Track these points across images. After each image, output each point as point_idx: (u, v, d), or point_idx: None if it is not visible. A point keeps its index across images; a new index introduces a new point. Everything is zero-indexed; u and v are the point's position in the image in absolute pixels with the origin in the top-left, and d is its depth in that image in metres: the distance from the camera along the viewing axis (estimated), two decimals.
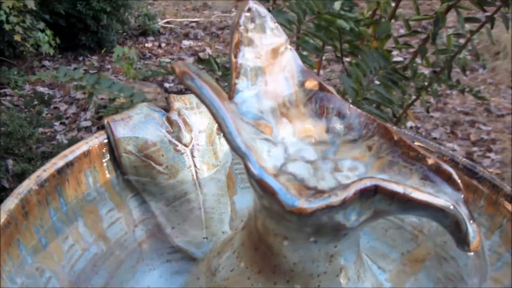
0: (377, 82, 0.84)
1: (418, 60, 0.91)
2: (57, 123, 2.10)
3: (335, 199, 0.24)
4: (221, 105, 0.24)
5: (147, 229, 0.38)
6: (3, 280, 0.29)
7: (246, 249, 0.29)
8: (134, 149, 0.36)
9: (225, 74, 1.54)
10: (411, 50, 0.91)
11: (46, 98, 2.91)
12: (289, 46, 0.30)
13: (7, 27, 3.36)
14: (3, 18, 3.38)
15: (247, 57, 0.29)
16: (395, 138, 0.28)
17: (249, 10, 0.29)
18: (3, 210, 0.30)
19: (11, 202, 0.31)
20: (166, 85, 2.81)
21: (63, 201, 0.34)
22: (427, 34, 0.86)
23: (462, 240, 0.26)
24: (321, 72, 2.08)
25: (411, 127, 1.66)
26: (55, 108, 2.95)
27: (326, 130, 0.30)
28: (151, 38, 3.22)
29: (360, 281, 0.30)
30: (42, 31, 3.51)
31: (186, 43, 3.07)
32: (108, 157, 0.37)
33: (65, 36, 3.28)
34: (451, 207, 0.25)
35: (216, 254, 0.32)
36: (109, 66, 3.18)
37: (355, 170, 0.28)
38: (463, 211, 0.26)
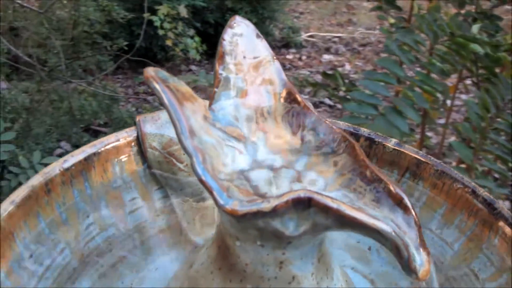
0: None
1: None
2: None
3: (266, 206, 0.25)
4: (177, 108, 0.27)
5: (167, 220, 0.42)
6: (16, 244, 0.34)
7: (214, 246, 0.31)
8: (159, 146, 0.40)
9: (349, 90, 1.55)
10: None
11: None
12: (273, 60, 0.32)
13: (160, 32, 3.66)
14: (158, 24, 3.69)
15: (230, 68, 0.31)
16: (360, 157, 0.29)
17: (235, 25, 0.31)
18: (26, 185, 0.35)
19: (36, 179, 0.36)
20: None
21: (88, 185, 0.39)
22: None
23: (405, 266, 0.26)
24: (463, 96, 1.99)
25: None
26: None
27: (300, 143, 0.31)
28: (293, 50, 3.29)
29: None
30: (191, 37, 3.77)
31: (326, 57, 3.10)
32: (136, 151, 0.41)
33: (213, 44, 3.47)
34: (389, 230, 0.25)
35: (199, 249, 0.34)
36: None
37: (315, 183, 0.29)
38: (411, 237, 0.26)
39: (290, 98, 0.31)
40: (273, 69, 0.31)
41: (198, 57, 4.02)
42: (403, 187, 0.42)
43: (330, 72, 1.59)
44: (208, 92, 3.26)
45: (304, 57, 3.10)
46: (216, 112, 0.30)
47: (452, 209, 0.40)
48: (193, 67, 3.93)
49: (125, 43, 2.85)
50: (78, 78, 2.62)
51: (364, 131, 0.43)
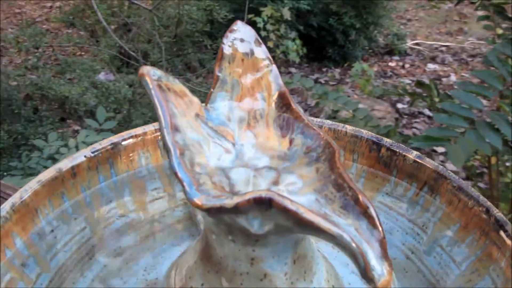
0: None
1: None
2: None
3: (229, 202, 0.27)
4: (163, 104, 0.29)
5: (185, 212, 0.44)
6: (38, 219, 0.38)
7: (201, 238, 0.33)
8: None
9: (441, 100, 1.50)
10: None
11: None
12: (271, 66, 0.33)
13: (262, 33, 3.73)
14: (261, 25, 3.75)
15: (227, 71, 0.33)
16: (336, 164, 0.29)
17: (236, 30, 0.33)
18: (53, 167, 0.39)
19: (63, 163, 0.40)
20: (399, 105, 2.80)
21: (114, 172, 0.42)
22: None
23: (363, 274, 0.26)
24: None
25: None
26: None
27: (288, 146, 0.32)
28: (396, 57, 3.23)
29: None
30: (293, 40, 3.80)
31: (431, 66, 3.02)
32: (162, 144, 0.44)
33: (314, 47, 3.47)
34: (345, 236, 0.26)
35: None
36: (348, 80, 3.27)
37: (292, 185, 0.30)
38: (373, 246, 0.27)
39: (283, 103, 0.32)
40: (270, 74, 0.33)
41: (297, 60, 4.05)
42: (421, 201, 0.42)
43: (425, 81, 1.55)
44: (304, 94, 3.28)
45: (407, 65, 3.03)
46: (210, 111, 0.32)
47: (465, 227, 0.39)
48: (292, 70, 3.96)
49: None
50: (177, 74, 2.75)
51: (387, 141, 0.43)
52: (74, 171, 0.40)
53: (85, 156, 0.41)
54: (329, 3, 3.55)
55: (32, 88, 2.35)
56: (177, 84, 0.31)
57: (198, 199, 0.27)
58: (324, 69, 3.43)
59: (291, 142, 0.32)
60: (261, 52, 0.33)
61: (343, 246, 0.26)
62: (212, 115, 0.32)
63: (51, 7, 4.49)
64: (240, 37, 0.33)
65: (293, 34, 4.20)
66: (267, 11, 3.75)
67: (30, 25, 2.92)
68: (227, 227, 0.29)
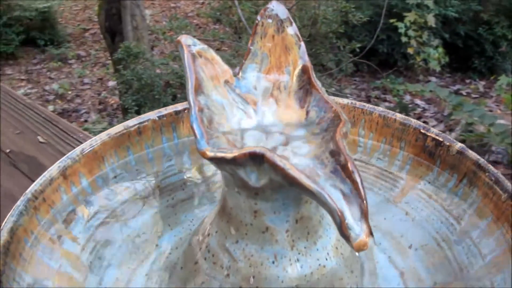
0: None
1: None
2: None
3: (228, 154, 0.30)
4: (191, 67, 0.34)
5: None
6: (104, 166, 0.45)
7: (221, 196, 0.37)
8: None
9: None
10: None
11: (408, 109, 3.06)
12: (299, 43, 0.36)
13: (403, 39, 3.64)
14: (402, 30, 3.67)
15: (259, 46, 0.37)
16: (336, 134, 0.32)
17: (269, 9, 0.36)
18: (122, 124, 0.46)
19: (131, 122, 0.46)
20: None
21: (176, 136, 0.48)
22: None
23: (340, 231, 0.29)
24: None
25: None
26: (425, 122, 3.07)
27: (304, 116, 0.35)
28: None
29: (294, 250, 0.34)
30: (435, 48, 3.67)
31: None
32: None
33: (458, 57, 3.33)
34: (323, 194, 0.28)
35: None
36: (493, 94, 3.11)
37: (298, 149, 0.33)
38: (353, 208, 0.29)
39: (305, 77, 0.35)
40: (298, 51, 0.36)
41: (438, 68, 3.90)
42: (459, 193, 0.42)
43: None
44: (442, 105, 3.16)
45: None
46: (240, 80, 0.36)
47: (496, 221, 0.39)
48: (432, 79, 3.82)
49: (358, 45, 2.93)
50: None
51: (434, 131, 0.44)
52: (140, 130, 0.46)
53: (151, 119, 0.46)
54: (481, 12, 3.37)
55: (172, 76, 2.54)
56: (210, 52, 0.35)
57: (205, 149, 0.31)
58: (468, 81, 3.27)
59: (307, 113, 0.35)
60: (291, 30, 0.36)
61: (322, 203, 0.29)
62: (241, 83, 0.36)
63: (203, 3, 4.78)
64: (274, 15, 0.36)
65: (436, 42, 4.05)
66: (410, 16, 3.66)
67: (177, 18, 3.14)
68: (231, 178, 0.33)
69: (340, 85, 3.29)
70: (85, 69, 3.78)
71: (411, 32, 3.70)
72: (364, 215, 0.29)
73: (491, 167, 0.40)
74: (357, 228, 0.28)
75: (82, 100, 3.39)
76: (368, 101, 3.44)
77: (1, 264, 0.34)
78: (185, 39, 0.35)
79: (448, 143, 0.43)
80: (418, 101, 3.54)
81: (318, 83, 0.34)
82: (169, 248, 0.42)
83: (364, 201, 0.29)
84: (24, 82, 3.64)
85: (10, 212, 0.37)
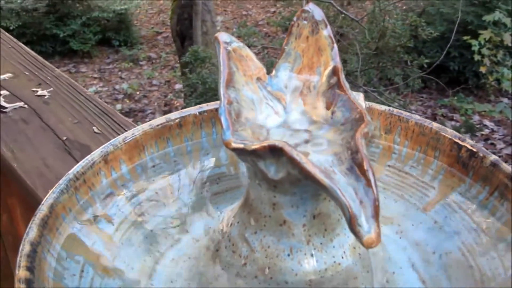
0: None
1: None
2: None
3: (249, 146, 0.32)
4: (225, 62, 0.35)
5: None
6: (144, 154, 0.47)
7: (245, 189, 0.39)
8: None
9: None
10: None
11: (474, 130, 2.97)
12: (333, 45, 0.37)
13: (476, 57, 3.55)
14: (475, 48, 3.57)
15: (293, 46, 0.38)
16: (356, 134, 0.32)
17: (305, 11, 0.37)
18: (164, 117, 0.48)
19: (173, 115, 0.48)
20: None
21: (215, 131, 0.50)
22: None
23: (350, 227, 0.29)
24: None
25: None
26: (492, 144, 2.98)
27: (330, 116, 0.36)
28: None
29: (310, 245, 0.35)
30: (510, 68, 3.54)
31: None
32: None
33: None
34: (335, 189, 0.29)
35: None
36: None
37: (319, 146, 0.34)
38: (365, 207, 0.30)
39: (334, 77, 0.36)
40: (331, 52, 0.37)
41: (510, 90, 3.75)
42: (489, 206, 0.42)
43: None
44: None
45: None
46: (272, 78, 0.38)
47: None
48: (505, 100, 3.69)
49: (426, 60, 2.88)
50: (372, 86, 2.77)
51: (469, 142, 0.44)
52: (180, 123, 0.48)
53: (192, 113, 0.49)
54: None
55: None
56: (245, 50, 0.37)
57: (229, 140, 0.33)
58: None
59: (333, 113, 0.36)
60: (325, 32, 0.37)
61: (335, 198, 0.30)
62: (273, 81, 0.38)
63: (274, 12, 4.84)
64: (310, 16, 0.37)
65: (511, 62, 3.90)
66: (485, 34, 3.54)
67: (246, 25, 3.20)
68: (252, 169, 0.34)
69: (405, 101, 3.24)
70: (154, 71, 3.90)
71: (485, 51, 3.58)
72: (376, 213, 0.29)
73: None
74: (366, 226, 0.29)
75: (149, 100, 3.50)
76: (434, 119, 3.35)
77: (38, 235, 0.37)
78: (222, 36, 0.36)
79: (482, 154, 0.42)
80: (487, 122, 3.43)
81: (346, 85, 0.35)
82: (198, 236, 0.44)
83: (377, 200, 0.30)
84: (96, 80, 3.81)
85: (52, 189, 0.40)
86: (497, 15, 3.43)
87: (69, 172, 0.42)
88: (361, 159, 0.31)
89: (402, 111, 0.48)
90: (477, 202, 0.43)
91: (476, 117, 3.53)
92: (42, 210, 0.39)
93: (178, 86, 3.57)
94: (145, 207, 0.45)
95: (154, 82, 3.78)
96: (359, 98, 0.42)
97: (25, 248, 0.36)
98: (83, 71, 3.94)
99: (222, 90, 0.35)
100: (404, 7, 3.62)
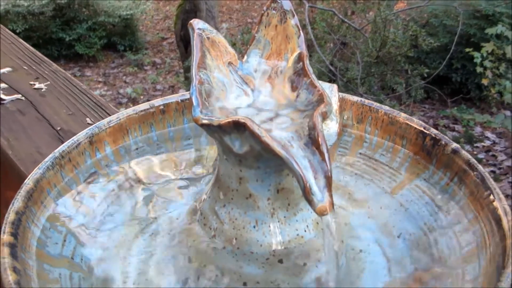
0: None
1: None
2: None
3: (215, 121, 0.35)
4: (198, 47, 0.38)
5: None
6: (128, 137, 0.50)
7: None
8: None
9: None
10: None
11: (474, 140, 2.98)
12: (300, 33, 0.40)
13: (478, 69, 3.56)
14: (478, 60, 3.58)
15: (263, 34, 0.41)
16: (314, 113, 0.35)
17: (275, 1, 0.40)
18: (147, 102, 0.51)
19: (156, 101, 0.51)
20: None
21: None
22: None
23: (304, 195, 0.32)
24: None
25: None
26: (493, 156, 2.97)
27: (295, 98, 0.39)
28: None
29: (274, 218, 0.38)
30: None
31: None
32: None
33: None
34: (291, 160, 0.32)
35: None
36: None
37: (282, 124, 0.37)
38: (319, 178, 0.32)
39: (299, 63, 0.39)
40: (297, 40, 0.40)
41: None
42: (450, 190, 0.44)
43: None
44: None
45: None
46: (243, 63, 0.40)
47: (476, 217, 0.41)
48: (507, 113, 3.69)
49: (426, 70, 2.90)
50: (372, 93, 2.80)
51: (433, 131, 0.46)
52: (163, 109, 0.51)
53: (175, 101, 0.51)
54: None
55: None
56: (218, 37, 0.40)
57: (198, 116, 0.35)
58: None
59: (298, 95, 0.39)
60: (293, 21, 0.40)
61: (291, 169, 0.32)
62: (243, 66, 0.40)
63: None
64: (279, 6, 0.40)
65: None
66: (488, 46, 3.56)
67: (250, 32, 3.24)
68: (220, 145, 0.37)
69: (407, 110, 3.26)
70: (158, 76, 3.94)
71: (487, 63, 3.60)
72: (328, 184, 0.32)
73: (479, 167, 0.42)
74: (320, 195, 0.31)
75: None
76: (436, 130, 3.36)
77: (23, 206, 0.40)
78: (197, 23, 0.39)
79: (444, 142, 0.45)
80: (488, 134, 3.44)
81: (310, 70, 0.38)
82: (176, 214, 0.46)
83: (329, 172, 0.32)
84: (101, 84, 3.85)
85: (38, 166, 0.43)
86: (499, 28, 3.45)
87: (55, 150, 0.45)
88: (317, 136, 0.33)
89: (373, 102, 0.50)
90: (439, 187, 0.45)
91: (478, 129, 3.54)
92: (28, 184, 0.41)
93: (181, 91, 3.60)
94: (126, 186, 0.48)
95: (158, 87, 3.82)
96: (332, 89, 0.45)
97: (10, 216, 0.38)
98: (88, 75, 3.99)
99: (194, 71, 0.37)
100: (408, 18, 3.65)
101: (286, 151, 0.32)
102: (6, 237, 0.37)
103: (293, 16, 0.40)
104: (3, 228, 0.38)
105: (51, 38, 4.03)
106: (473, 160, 0.43)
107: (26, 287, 0.34)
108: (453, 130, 3.53)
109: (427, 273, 0.40)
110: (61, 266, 0.39)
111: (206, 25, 0.40)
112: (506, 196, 2.66)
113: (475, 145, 3.19)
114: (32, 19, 3.99)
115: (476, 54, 3.55)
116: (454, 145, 0.45)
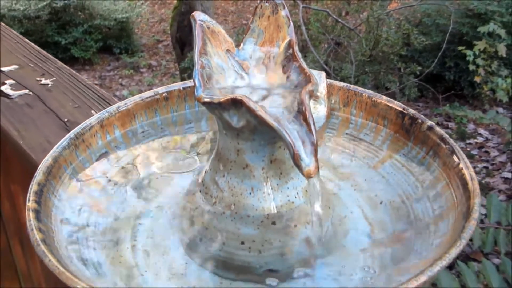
0: None
1: None
2: None
3: (216, 99, 0.40)
4: (200, 36, 0.43)
5: None
6: (135, 122, 0.55)
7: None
8: None
9: None
10: None
11: (466, 136, 3.04)
12: (289, 23, 0.45)
13: (471, 67, 3.62)
14: (470, 58, 3.64)
15: (257, 24, 0.46)
16: (302, 92, 0.40)
17: None
18: (152, 91, 0.56)
19: (160, 89, 0.56)
20: None
21: (197, 104, 0.58)
22: None
23: (293, 161, 0.37)
24: None
25: None
26: (486, 152, 3.02)
27: (285, 80, 0.44)
28: None
29: (268, 185, 0.43)
30: (504, 78, 3.62)
31: None
32: None
33: None
34: (282, 130, 0.37)
35: None
36: None
37: (274, 102, 0.42)
38: (307, 145, 0.37)
39: (289, 48, 0.44)
40: (288, 29, 0.45)
41: (505, 99, 3.82)
42: (425, 163, 0.49)
43: None
44: (506, 136, 3.12)
45: None
46: (239, 50, 0.45)
47: (448, 184, 0.46)
48: (499, 110, 3.75)
49: (418, 68, 2.96)
50: None
51: (411, 111, 0.51)
52: (167, 96, 0.56)
53: (177, 88, 0.56)
54: None
55: None
56: (217, 27, 0.45)
57: (200, 95, 0.40)
58: None
59: (288, 77, 0.44)
60: (283, 12, 0.45)
61: (282, 139, 0.37)
62: (240, 52, 0.46)
63: None
64: (269, 2, 0.45)
65: (505, 72, 3.97)
66: (480, 45, 3.62)
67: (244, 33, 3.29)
68: (220, 121, 0.42)
69: None
70: (154, 78, 3.99)
71: (479, 61, 3.65)
72: (314, 150, 0.37)
73: (451, 141, 0.47)
74: (307, 159, 0.36)
75: None
76: None
77: (44, 179, 0.45)
78: (198, 15, 0.44)
79: (421, 121, 0.50)
80: (481, 131, 3.50)
81: (299, 55, 0.43)
82: (181, 187, 0.51)
83: (315, 141, 0.37)
84: (97, 87, 3.90)
85: (56, 145, 0.48)
86: (491, 26, 3.51)
87: (70, 132, 0.50)
88: (304, 110, 0.38)
89: (357, 87, 0.56)
90: (416, 160, 0.50)
91: (471, 126, 3.60)
92: (47, 160, 0.46)
93: None
94: (134, 165, 0.53)
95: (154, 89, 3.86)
96: (321, 76, 0.50)
97: (33, 187, 0.43)
98: (84, 78, 4.04)
99: (196, 57, 0.42)
100: (401, 18, 3.71)
101: (278, 123, 0.37)
102: (31, 204, 0.42)
103: (284, 8, 0.45)
104: (27, 197, 0.43)
105: (47, 42, 4.08)
106: (446, 135, 0.48)
107: (50, 244, 0.39)
108: (447, 127, 3.59)
109: (404, 233, 0.45)
110: (78, 231, 0.44)
111: (207, 17, 0.45)
112: (499, 190, 2.72)
113: (468, 141, 3.24)
114: (28, 23, 4.04)
115: (468, 52, 3.60)
116: (430, 122, 0.50)
